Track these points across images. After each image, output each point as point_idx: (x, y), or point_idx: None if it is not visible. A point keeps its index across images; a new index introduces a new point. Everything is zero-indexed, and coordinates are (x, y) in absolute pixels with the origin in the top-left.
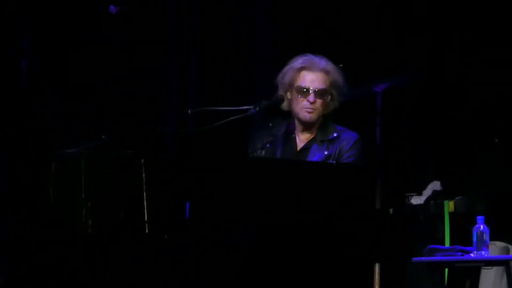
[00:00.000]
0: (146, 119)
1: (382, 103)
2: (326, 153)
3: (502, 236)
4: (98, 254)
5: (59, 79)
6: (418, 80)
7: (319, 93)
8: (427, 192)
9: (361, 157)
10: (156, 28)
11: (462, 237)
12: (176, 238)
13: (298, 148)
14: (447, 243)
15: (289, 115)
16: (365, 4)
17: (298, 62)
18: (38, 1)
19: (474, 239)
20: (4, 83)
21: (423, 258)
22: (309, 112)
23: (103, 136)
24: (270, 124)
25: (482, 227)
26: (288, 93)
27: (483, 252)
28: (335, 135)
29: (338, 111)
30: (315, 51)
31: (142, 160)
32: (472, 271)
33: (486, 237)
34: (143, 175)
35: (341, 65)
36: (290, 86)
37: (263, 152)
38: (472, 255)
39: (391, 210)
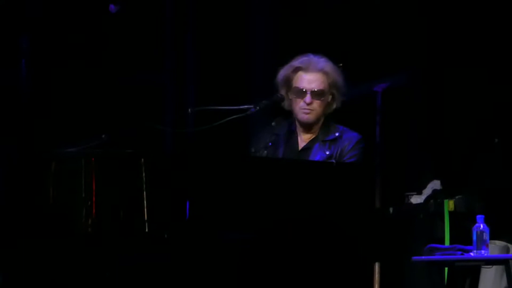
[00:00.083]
0: (146, 118)
1: (382, 103)
2: (327, 153)
3: (502, 235)
4: (98, 254)
5: (59, 79)
6: (418, 79)
7: (316, 94)
8: (427, 191)
9: (363, 157)
10: (155, 27)
11: (462, 236)
12: (176, 237)
13: (300, 148)
14: (447, 242)
15: (291, 114)
16: (365, 4)
17: (296, 62)
18: (38, 1)
19: (474, 238)
20: (4, 83)
21: (423, 257)
22: (306, 113)
23: (103, 136)
24: (273, 123)
25: (482, 226)
26: (288, 93)
27: (483, 251)
28: (337, 135)
29: (337, 110)
30: (314, 51)
31: (142, 159)
32: (472, 270)
33: (486, 236)
34: (143, 174)
35: (341, 65)
36: (288, 86)
37: (266, 151)
38: (472, 254)
39: (391, 209)
